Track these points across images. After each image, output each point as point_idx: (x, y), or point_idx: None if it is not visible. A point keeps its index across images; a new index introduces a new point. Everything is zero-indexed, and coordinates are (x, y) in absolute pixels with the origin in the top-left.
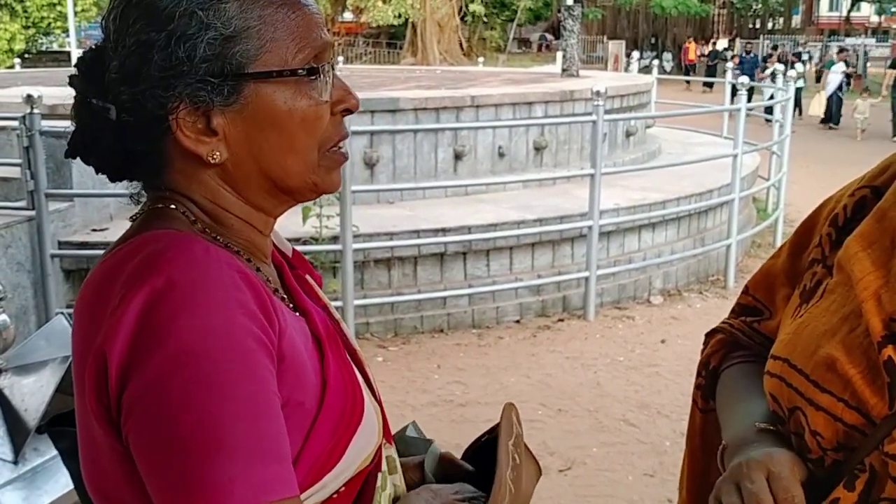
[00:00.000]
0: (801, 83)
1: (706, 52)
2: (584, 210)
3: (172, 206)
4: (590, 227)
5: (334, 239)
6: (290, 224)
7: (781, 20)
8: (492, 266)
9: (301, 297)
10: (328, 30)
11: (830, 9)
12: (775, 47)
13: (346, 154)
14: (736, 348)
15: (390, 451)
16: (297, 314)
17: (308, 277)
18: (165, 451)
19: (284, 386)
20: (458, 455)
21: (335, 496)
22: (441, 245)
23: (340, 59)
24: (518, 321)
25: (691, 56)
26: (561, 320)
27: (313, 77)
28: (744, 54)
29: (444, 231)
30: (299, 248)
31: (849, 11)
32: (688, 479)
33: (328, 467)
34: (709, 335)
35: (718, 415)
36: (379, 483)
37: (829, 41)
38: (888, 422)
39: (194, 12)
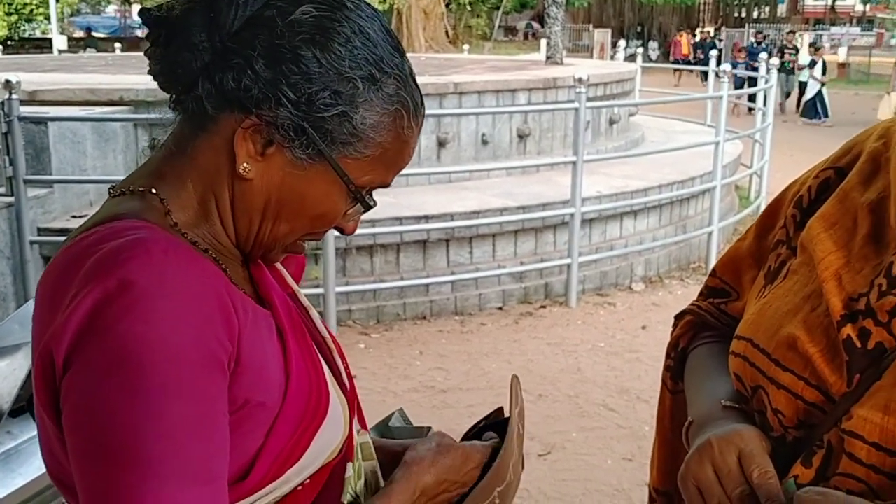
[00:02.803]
0: (805, 75)
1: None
2: (566, 197)
3: (153, 191)
4: (572, 215)
5: None
6: None
7: (767, 9)
8: (475, 253)
9: (266, 289)
10: None
11: None
12: (791, 32)
13: (305, 248)
14: (704, 329)
15: (364, 437)
16: (262, 307)
17: (278, 264)
18: (85, 454)
19: (243, 388)
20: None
21: (299, 488)
22: (424, 232)
23: None
24: (501, 308)
25: (684, 50)
26: (543, 307)
27: (355, 202)
28: (754, 44)
29: (426, 218)
30: None
31: (834, 0)
32: (658, 460)
33: (291, 462)
34: (678, 317)
35: (686, 394)
36: (351, 472)
37: (815, 30)
38: (846, 399)
39: (357, 85)
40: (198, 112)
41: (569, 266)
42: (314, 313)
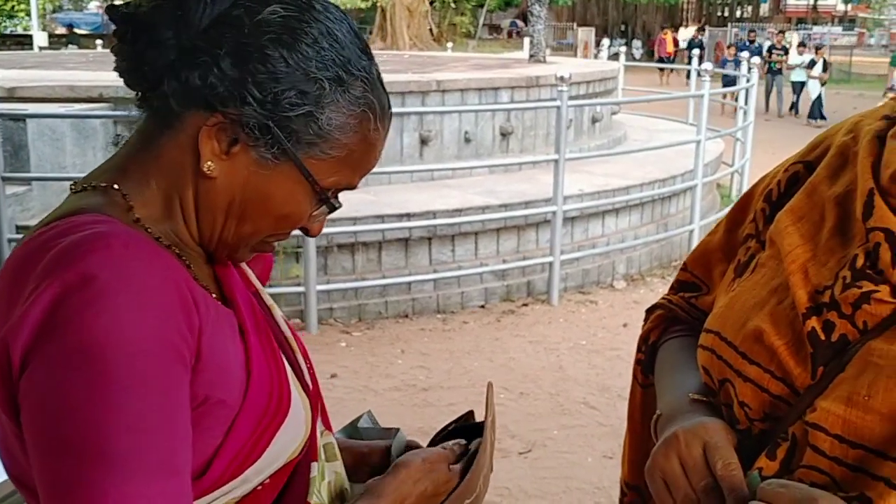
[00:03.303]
0: (803, 76)
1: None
2: (549, 195)
3: (115, 187)
4: (554, 213)
5: None
6: None
7: (750, 8)
8: (457, 251)
9: (230, 288)
10: None
11: None
12: (781, 32)
13: (273, 249)
14: (674, 323)
15: (329, 438)
16: (226, 306)
17: (243, 263)
18: (46, 450)
19: (203, 385)
20: (424, 442)
21: (259, 488)
22: (406, 230)
23: None
24: (483, 306)
25: (669, 48)
26: (525, 305)
27: (321, 203)
28: (747, 42)
29: (409, 216)
30: None
31: (816, 0)
32: (629, 454)
33: (250, 461)
34: (649, 311)
35: (656, 387)
36: (315, 472)
37: (797, 29)
38: (810, 392)
39: (323, 86)
40: (163, 109)
41: (551, 264)
42: (277, 313)
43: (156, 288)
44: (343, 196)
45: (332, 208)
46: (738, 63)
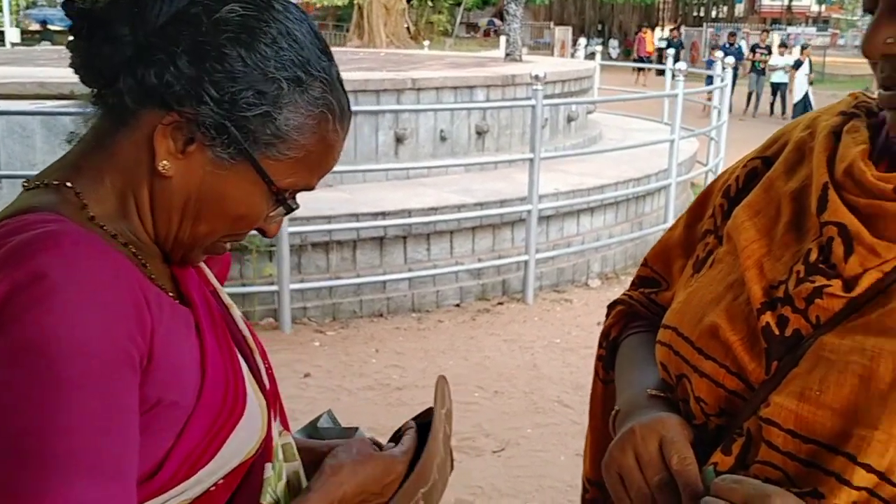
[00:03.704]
0: (784, 77)
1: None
2: (524, 194)
3: (68, 185)
4: (529, 212)
5: None
6: None
7: (725, 8)
8: (432, 250)
9: (187, 286)
10: None
11: None
12: (765, 31)
13: (226, 249)
14: (635, 319)
15: (286, 439)
16: (183, 305)
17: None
18: None
19: (155, 387)
20: (385, 440)
21: (213, 489)
22: (381, 229)
23: None
24: (458, 305)
25: (649, 48)
26: (500, 303)
27: (277, 204)
28: (727, 45)
29: (383, 215)
30: None
31: (790, 0)
32: (591, 450)
33: (203, 462)
34: (610, 307)
35: (616, 383)
36: (271, 473)
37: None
38: (765, 387)
39: (281, 86)
40: (118, 107)
41: (526, 263)
42: (236, 312)
43: (106, 288)
44: (317, 194)
45: (289, 209)
46: (710, 64)
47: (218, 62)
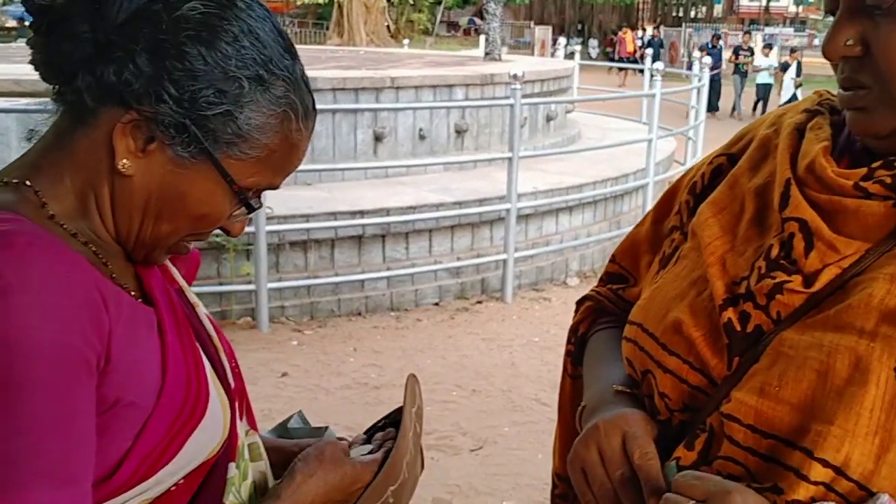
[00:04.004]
0: (769, 78)
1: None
2: (503, 193)
3: (27, 184)
4: (508, 211)
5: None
6: None
7: (704, 9)
8: (411, 249)
9: (150, 286)
10: None
11: None
12: (747, 33)
13: (190, 249)
14: (603, 315)
15: (253, 438)
16: (145, 304)
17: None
18: None
19: (113, 387)
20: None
21: (173, 489)
22: (359, 227)
23: None
24: (437, 303)
25: (629, 48)
26: (479, 302)
27: (240, 203)
28: (710, 46)
29: (362, 213)
30: None
31: (768, 1)
32: (560, 446)
33: (163, 462)
34: (579, 303)
35: (583, 379)
36: (235, 472)
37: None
38: (727, 382)
39: (242, 85)
40: (77, 104)
41: (505, 262)
42: (201, 310)
43: (59, 289)
44: (295, 193)
45: (251, 209)
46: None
47: (178, 60)
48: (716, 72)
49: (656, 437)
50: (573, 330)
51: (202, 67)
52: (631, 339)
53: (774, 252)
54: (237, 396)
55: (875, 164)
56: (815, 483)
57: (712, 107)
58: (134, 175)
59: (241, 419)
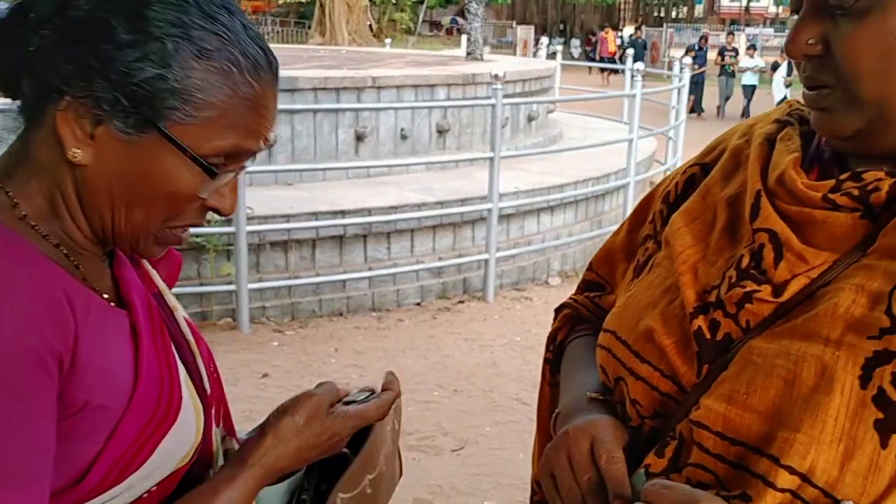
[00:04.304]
0: (753, 79)
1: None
2: (485, 193)
3: None
4: (489, 210)
5: (227, 221)
6: None
7: (685, 9)
8: (393, 249)
9: (126, 289)
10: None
11: None
12: (731, 33)
13: (185, 238)
14: (580, 322)
15: (229, 444)
16: (119, 307)
17: (144, 261)
18: None
19: (81, 390)
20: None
21: (145, 496)
22: (340, 227)
23: None
24: (419, 304)
25: (611, 48)
26: (461, 302)
27: (207, 172)
28: (698, 47)
29: (343, 213)
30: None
31: (749, 2)
32: (538, 452)
33: (133, 467)
34: (557, 310)
35: (560, 386)
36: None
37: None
38: (696, 390)
39: (165, 45)
40: (28, 108)
41: (486, 261)
42: (180, 315)
43: (20, 292)
44: (276, 193)
45: (212, 174)
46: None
47: (101, 35)
48: (701, 71)
49: (626, 444)
50: (551, 338)
51: (125, 37)
52: (605, 347)
53: (745, 262)
54: (214, 402)
55: (843, 177)
56: (782, 490)
57: (698, 108)
58: (89, 164)
59: (217, 425)
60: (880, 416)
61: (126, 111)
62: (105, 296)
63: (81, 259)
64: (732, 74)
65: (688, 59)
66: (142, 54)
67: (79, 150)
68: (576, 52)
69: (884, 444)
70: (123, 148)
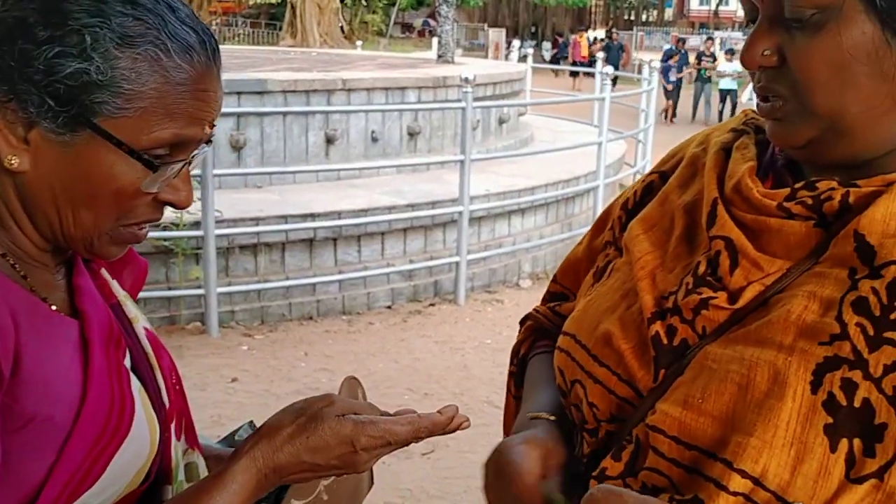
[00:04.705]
0: (732, 83)
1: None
2: (456, 196)
3: None
4: (460, 213)
5: (196, 225)
6: None
7: (655, 13)
8: (363, 252)
9: (80, 299)
10: (206, 28)
11: (700, 3)
12: (710, 39)
13: (143, 236)
14: (542, 336)
15: (192, 458)
16: (71, 318)
17: (103, 271)
18: None
19: (28, 403)
20: None
21: None
22: (310, 230)
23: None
24: (389, 307)
25: (584, 52)
26: (432, 305)
27: (148, 166)
28: (676, 50)
29: (313, 216)
30: (157, 233)
31: (717, 5)
32: None
33: (87, 484)
34: (521, 322)
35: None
36: (169, 495)
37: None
38: (652, 394)
39: (84, 36)
40: None
41: (457, 264)
42: (140, 326)
43: None
44: (245, 195)
45: (151, 167)
46: (678, 69)
47: (17, 33)
48: (680, 76)
49: (560, 461)
50: (515, 351)
51: (42, 34)
52: (563, 349)
53: (702, 269)
54: (174, 415)
55: (798, 185)
56: (735, 494)
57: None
58: (28, 170)
59: (178, 439)
60: (830, 420)
61: (54, 111)
62: (54, 307)
63: (29, 269)
64: (708, 80)
65: (657, 64)
66: (61, 49)
67: (15, 157)
68: (547, 54)
69: (833, 449)
70: (59, 149)
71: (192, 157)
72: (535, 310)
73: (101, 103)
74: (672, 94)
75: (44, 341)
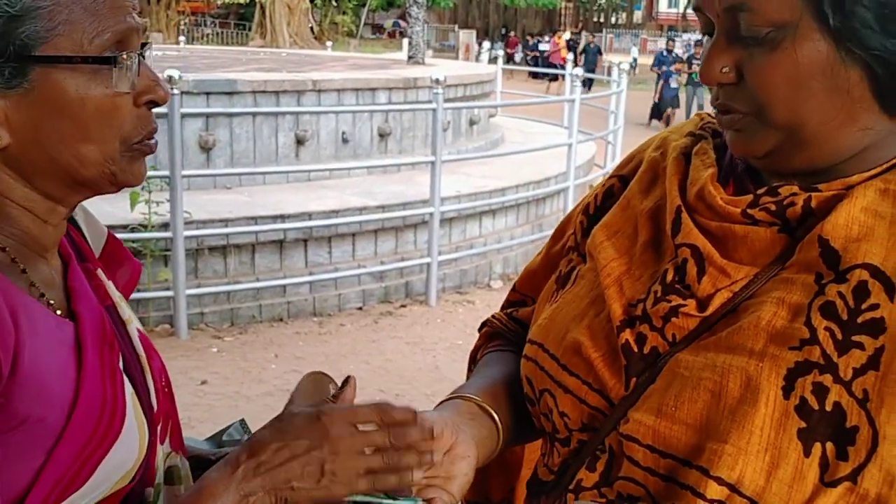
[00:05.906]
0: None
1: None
2: (426, 197)
3: None
4: (431, 214)
5: (165, 226)
6: (116, 210)
7: (624, 15)
8: (334, 253)
9: (76, 300)
10: (158, 11)
11: (669, 6)
12: (699, 43)
13: (153, 147)
14: (496, 338)
15: (175, 460)
16: (67, 318)
17: (99, 272)
18: None
19: (23, 402)
20: None
21: None
22: (280, 232)
23: (182, 39)
24: (361, 308)
25: (564, 53)
26: (403, 306)
27: (110, 66)
28: (664, 52)
29: (283, 217)
30: (126, 235)
31: (685, 8)
32: None
33: (76, 485)
34: (480, 328)
35: None
36: (151, 497)
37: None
38: (624, 403)
39: None
40: None
41: (429, 265)
42: (133, 328)
43: None
44: (215, 197)
45: (114, 62)
46: (668, 76)
47: None
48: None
49: (560, 464)
50: (472, 357)
51: None
52: (531, 358)
53: (669, 276)
54: (162, 418)
55: (760, 192)
56: (711, 501)
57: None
58: (13, 140)
59: (162, 443)
60: (803, 425)
61: (3, 63)
62: (52, 302)
63: (29, 263)
64: (700, 84)
65: (626, 66)
66: None
67: None
68: (517, 56)
69: (807, 453)
70: (24, 103)
71: (143, 48)
72: (493, 316)
73: (29, 35)
74: (675, 100)
75: (41, 342)
